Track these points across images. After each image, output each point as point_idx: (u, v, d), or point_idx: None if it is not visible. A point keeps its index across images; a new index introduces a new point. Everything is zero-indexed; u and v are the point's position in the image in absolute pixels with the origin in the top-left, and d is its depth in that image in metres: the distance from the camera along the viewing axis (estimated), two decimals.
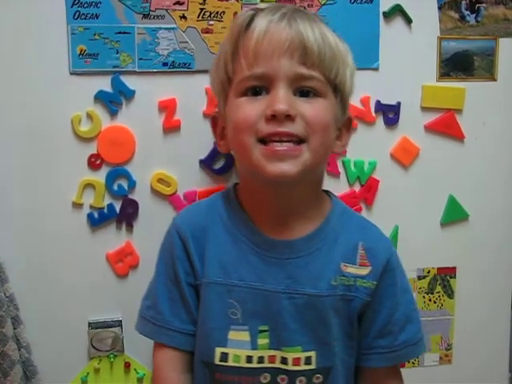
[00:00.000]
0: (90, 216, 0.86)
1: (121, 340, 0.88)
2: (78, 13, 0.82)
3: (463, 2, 0.92)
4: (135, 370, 0.89)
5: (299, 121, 0.66)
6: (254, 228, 0.72)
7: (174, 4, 0.84)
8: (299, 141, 0.67)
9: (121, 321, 0.88)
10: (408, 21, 0.90)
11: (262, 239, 0.72)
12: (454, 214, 0.95)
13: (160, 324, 0.73)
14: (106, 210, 0.87)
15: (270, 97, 0.67)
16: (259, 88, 0.68)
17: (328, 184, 0.90)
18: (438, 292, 0.96)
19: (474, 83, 0.93)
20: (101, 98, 0.84)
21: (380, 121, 0.92)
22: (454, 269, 0.97)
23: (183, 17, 0.85)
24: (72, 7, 0.82)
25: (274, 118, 0.65)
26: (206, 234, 0.73)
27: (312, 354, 0.70)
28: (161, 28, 0.84)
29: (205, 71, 0.81)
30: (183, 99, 0.86)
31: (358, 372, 0.75)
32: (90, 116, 0.85)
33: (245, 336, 0.70)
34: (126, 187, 0.87)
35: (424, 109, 0.93)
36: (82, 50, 0.83)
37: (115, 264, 0.88)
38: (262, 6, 0.71)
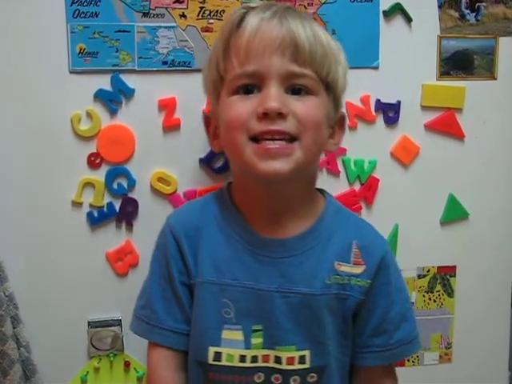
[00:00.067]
0: (89, 215, 0.86)
1: (120, 339, 0.88)
2: (77, 11, 0.82)
3: (463, 1, 0.92)
4: (135, 369, 0.89)
5: (291, 119, 0.66)
6: (247, 227, 0.72)
7: (174, 2, 0.84)
8: (291, 139, 0.66)
9: (120, 320, 0.88)
10: (408, 19, 0.90)
11: (256, 238, 0.71)
12: (454, 213, 0.95)
13: (153, 323, 0.73)
14: (105, 209, 0.86)
15: (261, 95, 0.66)
16: (251, 86, 0.67)
17: (328, 183, 0.91)
18: (438, 291, 0.96)
19: (474, 82, 0.93)
20: (100, 96, 0.84)
21: (380, 120, 0.92)
22: (453, 268, 0.97)
23: (183, 15, 0.84)
24: (71, 6, 0.82)
25: (265, 116, 0.65)
26: (200, 234, 0.72)
27: (306, 353, 0.70)
28: (160, 26, 0.84)
29: None
30: (183, 98, 0.86)
31: (352, 371, 0.75)
32: (89, 115, 0.84)
33: (238, 335, 0.70)
34: (125, 186, 0.87)
35: (424, 108, 0.93)
36: (81, 49, 0.83)
37: (115, 263, 0.87)
38: (254, 4, 0.71)
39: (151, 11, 0.84)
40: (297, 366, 0.70)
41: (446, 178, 0.95)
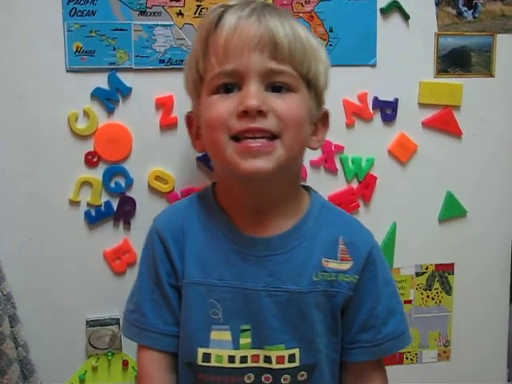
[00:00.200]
0: (87, 214, 0.86)
1: (119, 338, 0.88)
2: (74, 10, 0.82)
3: None
4: (133, 367, 0.89)
5: (271, 116, 0.66)
6: (232, 226, 0.72)
7: (171, 0, 0.84)
8: (272, 137, 0.66)
9: (118, 319, 0.87)
10: (405, 17, 0.90)
11: (241, 237, 0.71)
12: (452, 211, 0.95)
13: (144, 327, 0.72)
14: (103, 208, 0.86)
15: (241, 93, 0.66)
16: (231, 85, 0.67)
17: (326, 181, 0.91)
18: (436, 288, 0.96)
19: (471, 79, 0.93)
20: (97, 95, 0.84)
21: (377, 117, 0.92)
22: (452, 265, 0.97)
23: (180, 13, 0.84)
24: (68, 4, 0.82)
25: (245, 114, 0.65)
26: (185, 234, 0.72)
27: (295, 351, 0.70)
28: (157, 25, 0.84)
29: None
30: (180, 96, 0.85)
31: (341, 367, 0.75)
32: (86, 113, 0.84)
33: (226, 336, 0.70)
34: (123, 185, 0.86)
35: (422, 105, 0.92)
36: (78, 47, 0.83)
37: (112, 262, 0.87)
38: (232, 2, 0.70)
39: (148, 9, 0.84)
40: (287, 365, 0.70)
41: (444, 176, 0.95)
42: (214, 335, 0.70)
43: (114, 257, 0.87)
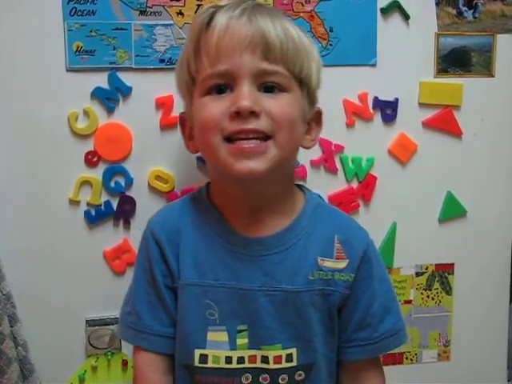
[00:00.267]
0: (86, 213, 0.86)
1: (118, 338, 0.88)
2: (74, 9, 0.82)
3: None
4: (133, 367, 0.88)
5: (264, 117, 0.66)
6: (226, 226, 0.72)
7: (171, 0, 0.84)
8: (265, 137, 0.66)
9: (118, 318, 0.87)
10: (405, 17, 0.90)
11: (236, 237, 0.71)
12: (452, 211, 0.95)
13: (140, 329, 0.72)
14: (103, 207, 0.86)
15: (234, 94, 0.66)
16: (223, 86, 0.67)
17: (326, 180, 0.91)
18: (436, 288, 0.96)
19: (471, 79, 0.93)
20: (97, 94, 0.84)
21: (378, 117, 0.92)
22: (452, 265, 0.97)
23: (180, 13, 0.84)
24: (68, 4, 0.82)
25: (238, 115, 0.65)
26: (180, 235, 0.72)
27: (293, 350, 0.70)
28: (158, 24, 0.84)
29: None
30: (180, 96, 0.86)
31: (338, 366, 0.75)
32: (86, 113, 0.84)
33: (223, 336, 0.70)
34: (123, 184, 0.86)
35: (422, 105, 0.92)
36: (78, 47, 0.83)
37: (112, 261, 0.87)
38: (223, 2, 0.70)
39: (148, 9, 0.84)
40: (284, 365, 0.70)
41: (444, 176, 0.95)
42: (211, 336, 0.70)
43: (114, 256, 0.87)
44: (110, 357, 0.88)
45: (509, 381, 1.03)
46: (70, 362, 0.88)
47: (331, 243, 0.72)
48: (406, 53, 0.91)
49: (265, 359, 0.70)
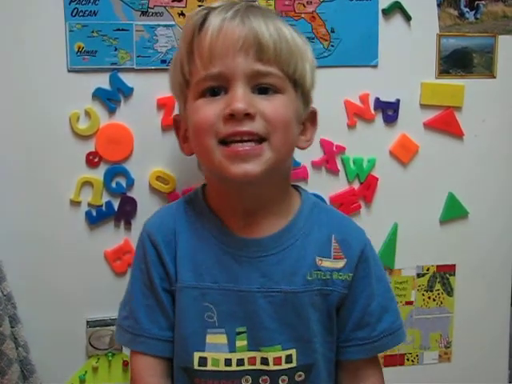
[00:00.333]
0: (88, 214, 0.86)
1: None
2: (75, 10, 0.82)
3: None
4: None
5: (259, 119, 0.65)
6: (223, 228, 0.71)
7: (173, 1, 0.84)
8: (260, 139, 0.66)
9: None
10: (407, 18, 0.90)
11: (233, 239, 0.71)
12: (454, 212, 0.95)
13: (138, 333, 0.71)
14: (104, 208, 0.86)
15: (228, 96, 0.66)
16: (217, 88, 0.67)
17: (327, 181, 0.91)
18: (438, 290, 0.96)
19: (473, 80, 0.93)
20: (99, 95, 0.84)
21: (379, 118, 0.91)
22: (453, 266, 0.97)
23: (181, 14, 0.84)
24: (70, 4, 0.82)
25: (232, 117, 0.64)
26: (177, 238, 0.72)
27: (292, 351, 0.70)
28: (159, 25, 0.84)
29: None
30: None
31: (337, 365, 0.75)
32: (88, 113, 0.84)
33: (222, 339, 0.69)
34: (124, 185, 0.86)
35: (423, 106, 0.92)
36: (79, 47, 0.83)
37: (113, 262, 0.87)
38: (215, 4, 0.70)
39: (150, 10, 0.84)
40: (284, 366, 0.70)
41: (446, 177, 0.95)
42: (210, 339, 0.70)
43: (115, 257, 0.87)
44: (110, 357, 0.88)
45: (510, 382, 1.03)
46: (70, 363, 0.88)
47: (329, 243, 0.72)
48: (408, 54, 0.91)
49: (264, 361, 0.70)
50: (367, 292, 0.73)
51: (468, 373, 0.98)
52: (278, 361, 0.69)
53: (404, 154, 0.93)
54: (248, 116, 0.64)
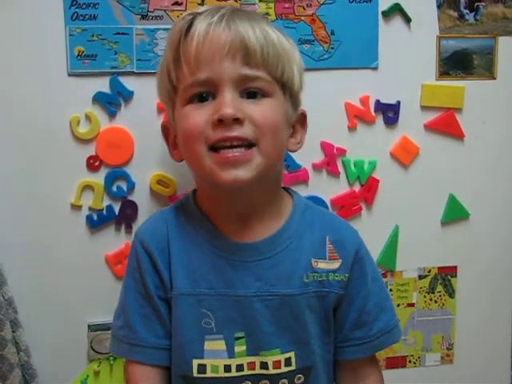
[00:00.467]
0: (88, 218, 0.86)
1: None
2: (75, 14, 0.82)
3: (462, 1, 0.92)
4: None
5: (248, 124, 0.65)
6: (216, 233, 0.71)
7: (173, 4, 0.84)
8: (250, 144, 0.65)
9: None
10: (407, 20, 0.90)
11: (227, 243, 0.71)
12: (455, 213, 0.95)
13: (135, 342, 0.71)
14: (104, 212, 0.86)
15: (216, 102, 0.65)
16: (205, 94, 0.66)
17: (328, 184, 0.91)
18: (439, 291, 0.96)
19: (473, 82, 0.93)
20: (99, 99, 0.84)
21: (380, 120, 0.91)
22: (454, 268, 0.97)
23: None
24: (70, 8, 0.82)
25: (221, 123, 0.64)
26: (170, 244, 0.71)
27: (291, 354, 0.70)
28: (159, 29, 0.84)
29: None
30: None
31: (335, 366, 0.75)
32: (88, 117, 0.84)
33: (220, 345, 0.69)
34: (125, 189, 0.86)
35: (424, 108, 0.92)
36: (80, 51, 0.83)
37: (114, 266, 0.87)
38: (201, 9, 0.69)
39: (150, 13, 0.84)
40: (283, 369, 0.70)
41: (446, 178, 0.95)
42: (208, 345, 0.69)
43: (116, 261, 0.87)
44: (112, 361, 0.88)
45: None
46: (72, 367, 0.88)
47: (323, 244, 0.72)
48: (408, 56, 0.91)
49: (264, 365, 0.69)
50: (364, 292, 0.73)
51: (470, 375, 0.98)
52: (277, 364, 0.69)
53: (405, 156, 0.93)
54: (237, 121, 0.64)
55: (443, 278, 0.96)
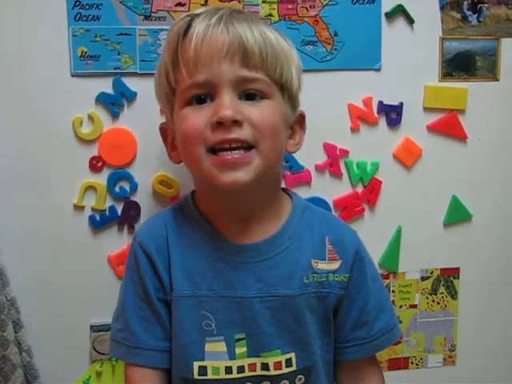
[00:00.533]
0: (91, 218, 0.86)
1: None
2: (79, 14, 0.82)
3: (465, 2, 0.92)
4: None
5: (247, 126, 0.65)
6: (216, 234, 0.71)
7: (176, 5, 0.84)
8: (249, 147, 0.65)
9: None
10: (410, 21, 0.90)
11: (227, 245, 0.70)
12: (457, 215, 0.95)
13: (134, 345, 0.70)
14: (107, 213, 0.86)
15: (215, 104, 0.65)
16: (204, 96, 0.66)
17: (330, 185, 0.91)
18: (442, 293, 0.96)
19: (476, 83, 0.93)
20: (102, 99, 0.84)
21: (382, 121, 0.91)
22: (457, 269, 0.97)
23: None
24: (73, 9, 0.82)
25: (220, 125, 0.64)
26: (169, 246, 0.71)
27: (291, 355, 0.70)
28: (162, 29, 0.84)
29: None
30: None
31: (336, 366, 0.75)
32: (91, 118, 0.84)
33: (221, 347, 0.69)
34: (127, 189, 0.86)
35: (426, 109, 0.92)
36: (83, 52, 0.83)
37: (117, 266, 0.87)
38: (199, 10, 0.69)
39: (153, 14, 0.84)
40: (284, 370, 0.70)
41: (449, 180, 0.95)
42: (209, 347, 0.69)
43: (119, 261, 0.87)
44: (114, 362, 0.88)
45: None
46: (74, 368, 0.88)
47: (322, 245, 0.72)
48: (411, 57, 0.91)
49: (265, 366, 0.69)
50: (364, 292, 0.73)
51: (472, 376, 0.98)
52: (278, 365, 0.69)
53: (407, 157, 0.93)
54: (236, 123, 0.64)
55: (446, 280, 0.96)
